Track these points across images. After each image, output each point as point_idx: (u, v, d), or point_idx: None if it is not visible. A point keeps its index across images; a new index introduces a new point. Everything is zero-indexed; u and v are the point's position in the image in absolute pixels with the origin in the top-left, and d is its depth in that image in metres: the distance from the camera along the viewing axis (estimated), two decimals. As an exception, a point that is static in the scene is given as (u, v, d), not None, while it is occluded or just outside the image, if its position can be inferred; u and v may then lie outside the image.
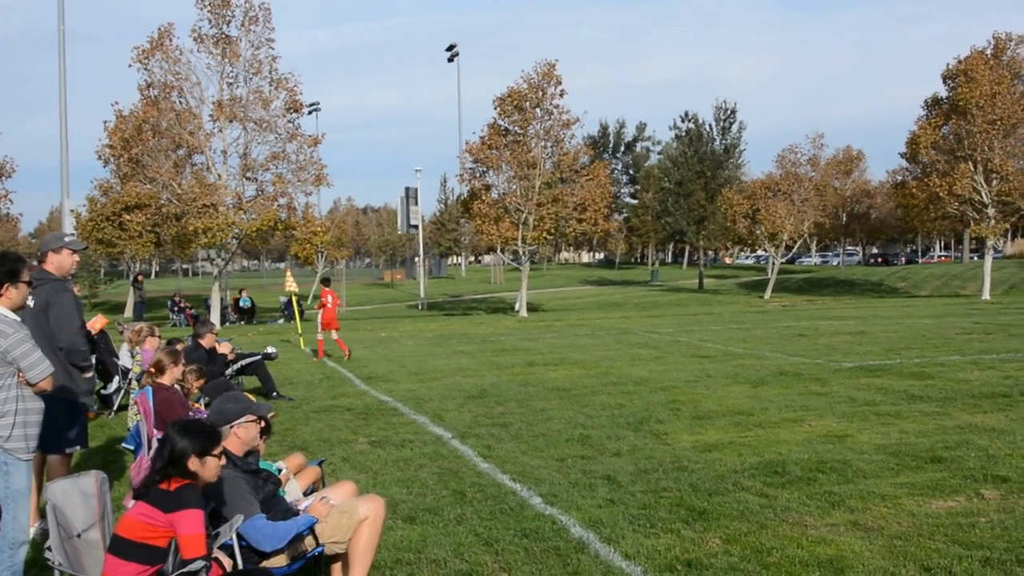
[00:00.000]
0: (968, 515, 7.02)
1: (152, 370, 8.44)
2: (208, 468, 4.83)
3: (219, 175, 36.35)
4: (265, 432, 6.03)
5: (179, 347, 10.40)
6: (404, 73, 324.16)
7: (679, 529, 6.86)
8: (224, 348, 13.49)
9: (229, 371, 13.63)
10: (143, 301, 46.83)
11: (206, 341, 12.61)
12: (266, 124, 36.41)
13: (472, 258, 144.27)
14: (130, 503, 4.86)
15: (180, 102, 35.98)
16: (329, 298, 22.05)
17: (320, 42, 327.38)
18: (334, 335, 21.79)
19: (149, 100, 36.19)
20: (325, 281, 23.79)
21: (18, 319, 5.52)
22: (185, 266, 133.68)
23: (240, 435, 5.69)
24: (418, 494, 8.11)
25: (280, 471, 6.37)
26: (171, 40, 35.59)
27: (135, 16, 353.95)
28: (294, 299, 27.57)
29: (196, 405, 9.45)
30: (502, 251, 45.61)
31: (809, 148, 61.44)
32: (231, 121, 36.04)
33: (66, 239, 7.62)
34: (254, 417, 5.79)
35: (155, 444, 6.94)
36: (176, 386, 8.61)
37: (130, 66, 35.50)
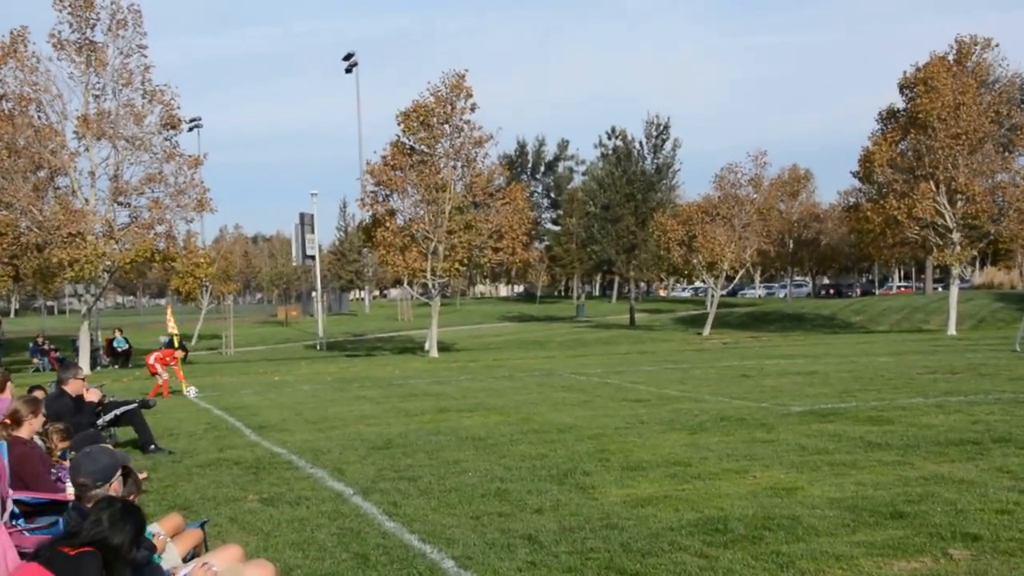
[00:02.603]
0: (935, 578, 6.93)
1: (7, 421, 8.24)
2: None
3: (86, 200, 35.73)
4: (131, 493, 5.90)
5: (39, 395, 10.18)
6: (298, 86, 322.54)
7: (608, 594, 6.83)
8: (92, 395, 13.22)
9: (100, 421, 13.38)
10: (1, 343, 45.86)
11: (72, 387, 12.33)
12: (139, 142, 35.81)
13: (377, 292, 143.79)
14: None
15: (39, 116, 35.36)
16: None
17: (200, 50, 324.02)
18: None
19: (3, 114, 35.38)
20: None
21: None
22: (50, 303, 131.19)
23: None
24: (315, 558, 8.01)
25: (155, 535, 6.26)
26: (26, 46, 34.91)
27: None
28: (175, 341, 27.25)
29: (61, 462, 9.24)
30: (410, 284, 45.51)
31: (751, 167, 61.28)
32: (99, 138, 35.43)
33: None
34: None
35: (10, 506, 6.76)
36: (36, 440, 8.41)
37: (-23, 75, 34.84)
